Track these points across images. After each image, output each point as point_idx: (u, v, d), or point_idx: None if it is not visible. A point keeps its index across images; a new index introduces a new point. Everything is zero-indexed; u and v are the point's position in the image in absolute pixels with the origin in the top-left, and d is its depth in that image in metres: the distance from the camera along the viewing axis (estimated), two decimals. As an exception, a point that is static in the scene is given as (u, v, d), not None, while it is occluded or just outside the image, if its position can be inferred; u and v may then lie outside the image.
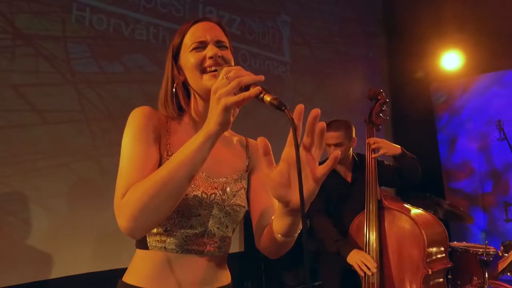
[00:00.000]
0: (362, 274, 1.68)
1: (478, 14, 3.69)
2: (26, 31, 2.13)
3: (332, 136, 1.97)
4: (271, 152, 0.63)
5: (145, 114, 0.82)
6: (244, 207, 0.87)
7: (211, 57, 0.79)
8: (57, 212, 2.11)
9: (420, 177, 1.89)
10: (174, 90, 0.85)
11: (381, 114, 1.90)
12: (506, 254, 2.08)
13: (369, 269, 1.65)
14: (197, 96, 0.86)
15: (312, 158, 0.63)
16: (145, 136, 0.79)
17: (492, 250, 2.07)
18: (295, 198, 0.63)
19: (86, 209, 2.20)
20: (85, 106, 2.29)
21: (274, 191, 0.64)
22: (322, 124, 0.61)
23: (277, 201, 0.89)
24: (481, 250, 2.08)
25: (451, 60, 4.03)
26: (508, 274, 1.99)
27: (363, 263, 1.66)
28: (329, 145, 2.00)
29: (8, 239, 1.95)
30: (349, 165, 2.07)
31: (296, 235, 0.75)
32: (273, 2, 3.56)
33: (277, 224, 0.72)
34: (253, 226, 0.90)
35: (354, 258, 1.71)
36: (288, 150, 0.63)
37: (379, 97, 1.93)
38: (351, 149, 2.06)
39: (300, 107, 0.60)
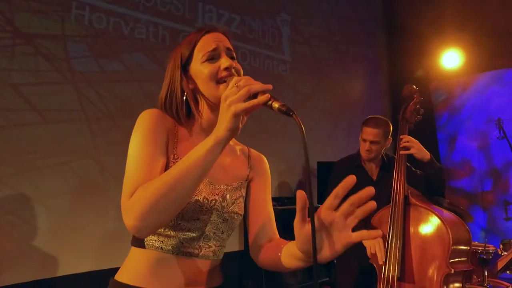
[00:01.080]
0: (370, 257, 1.69)
1: (478, 13, 3.68)
2: (25, 30, 2.13)
3: (370, 133, 1.96)
4: (307, 208, 0.63)
5: (154, 117, 0.82)
6: (241, 215, 0.89)
7: (226, 68, 0.81)
8: (57, 211, 2.12)
9: (444, 188, 1.88)
10: (184, 98, 0.86)
11: (415, 113, 1.88)
12: (506, 253, 2.08)
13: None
14: (208, 104, 0.86)
15: (347, 225, 0.63)
16: (154, 138, 0.80)
17: (491, 248, 2.07)
18: (318, 256, 0.65)
19: (86, 208, 2.21)
20: (84, 105, 2.29)
21: (301, 245, 0.66)
22: (373, 204, 0.61)
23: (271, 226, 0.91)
24: (480, 248, 2.09)
25: (451, 59, 4.02)
26: (508, 272, 2.00)
27: (375, 249, 1.65)
28: (365, 140, 1.99)
29: (8, 238, 1.96)
30: (377, 163, 2.06)
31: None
32: (273, 1, 3.56)
33: (288, 259, 0.76)
34: (249, 238, 0.92)
35: (368, 243, 1.70)
36: (325, 213, 0.64)
37: (414, 96, 1.90)
38: (382, 151, 2.04)
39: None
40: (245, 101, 0.67)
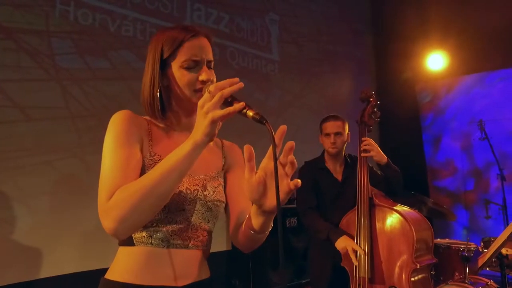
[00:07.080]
0: (343, 257, 1.73)
1: (461, 17, 3.78)
2: (7, 25, 2.07)
3: (333, 125, 2.04)
4: (254, 159, 0.70)
5: (126, 117, 0.84)
6: (223, 202, 0.92)
7: (203, 81, 0.84)
8: (40, 211, 2.07)
9: (402, 190, 1.94)
10: (158, 94, 0.86)
11: (372, 116, 1.94)
12: (486, 250, 2.14)
13: (357, 258, 1.69)
14: (178, 105, 0.88)
15: (285, 174, 0.71)
16: (127, 139, 0.81)
17: (473, 246, 2.13)
18: (268, 202, 0.73)
19: (71, 208, 2.16)
20: (69, 103, 2.24)
21: (251, 194, 0.72)
22: (292, 158, 0.70)
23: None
24: (462, 246, 2.15)
25: (436, 61, 4.11)
26: (487, 269, 2.05)
27: (351, 250, 1.70)
28: (328, 134, 2.04)
29: (-12, 239, 1.90)
30: (341, 163, 2.10)
31: (267, 232, 0.83)
32: (262, 0, 3.56)
33: (251, 222, 0.80)
34: (229, 224, 0.94)
35: (341, 244, 1.76)
36: (267, 162, 0.72)
37: (371, 99, 1.97)
38: (344, 146, 2.09)
39: (283, 128, 0.69)
40: (221, 107, 0.70)
